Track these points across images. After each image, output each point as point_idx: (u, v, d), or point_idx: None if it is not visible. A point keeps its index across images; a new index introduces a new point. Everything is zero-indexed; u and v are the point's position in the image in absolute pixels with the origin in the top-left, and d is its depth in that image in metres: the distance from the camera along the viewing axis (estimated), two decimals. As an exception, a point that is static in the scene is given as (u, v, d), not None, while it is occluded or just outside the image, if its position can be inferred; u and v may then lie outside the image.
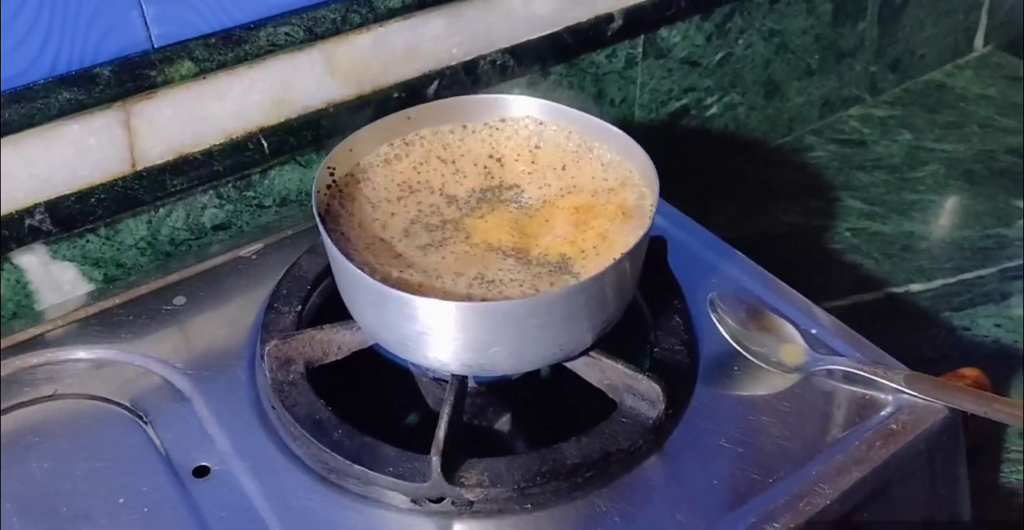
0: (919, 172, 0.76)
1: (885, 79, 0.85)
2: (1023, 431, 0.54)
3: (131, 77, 0.44)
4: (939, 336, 0.61)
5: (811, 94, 0.79)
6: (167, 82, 0.46)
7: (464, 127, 0.44)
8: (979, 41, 0.91)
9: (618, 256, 0.37)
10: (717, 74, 0.70)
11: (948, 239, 0.70)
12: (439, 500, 0.38)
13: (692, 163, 0.73)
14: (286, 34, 0.48)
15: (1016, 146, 0.79)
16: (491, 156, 0.43)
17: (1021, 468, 0.53)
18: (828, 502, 0.38)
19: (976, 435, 0.53)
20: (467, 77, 0.55)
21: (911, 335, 0.62)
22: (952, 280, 0.66)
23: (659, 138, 0.70)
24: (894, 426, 0.41)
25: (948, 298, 0.64)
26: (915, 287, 0.65)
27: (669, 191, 0.53)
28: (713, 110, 0.73)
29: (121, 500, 0.38)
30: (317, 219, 0.39)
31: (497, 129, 0.44)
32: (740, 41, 0.70)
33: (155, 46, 0.45)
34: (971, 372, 0.48)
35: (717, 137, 0.74)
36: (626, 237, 0.39)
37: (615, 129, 0.43)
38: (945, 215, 0.72)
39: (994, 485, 0.52)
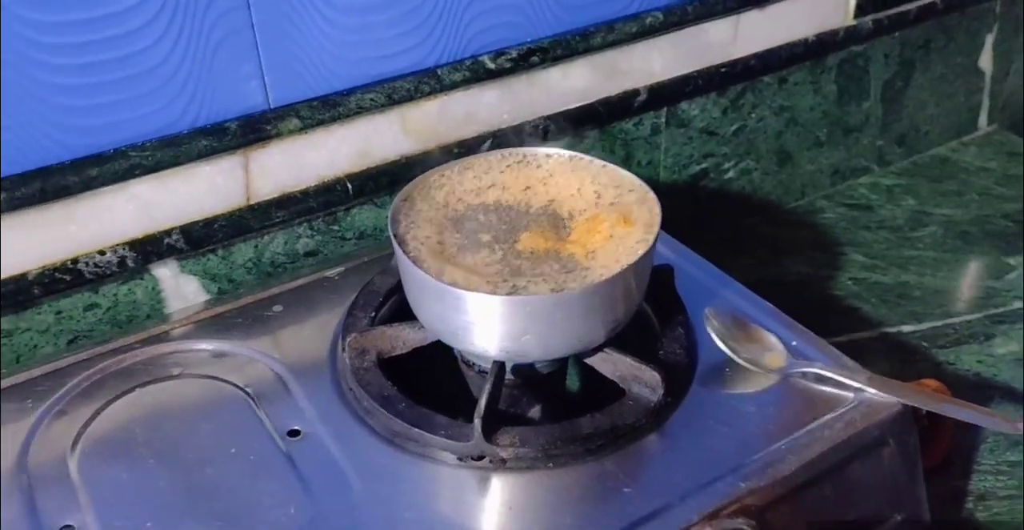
0: (919, 232, 0.86)
1: (892, 152, 0.95)
2: (991, 446, 0.62)
3: (252, 130, 0.57)
4: (925, 369, 0.70)
5: (821, 163, 0.90)
6: (278, 135, 0.58)
7: (510, 166, 0.55)
8: (983, 120, 1.01)
9: (625, 266, 0.47)
10: (733, 143, 0.81)
11: (941, 289, 0.78)
12: (480, 458, 0.48)
13: (711, 220, 0.83)
14: (371, 99, 0.60)
15: (1011, 212, 0.88)
16: (531, 185, 0.55)
17: (991, 478, 0.61)
18: (793, 469, 0.47)
19: (949, 447, 0.61)
20: (515, 138, 0.67)
21: (900, 367, 0.70)
22: (940, 323, 0.74)
23: (681, 196, 0.81)
24: (853, 415, 0.50)
25: (936, 338, 0.73)
26: (906, 328, 0.74)
27: (690, 242, 0.63)
28: (730, 174, 0.83)
29: (233, 450, 0.49)
30: (392, 236, 0.50)
31: (538, 167, 0.55)
32: (753, 115, 0.81)
33: (271, 106, 0.58)
34: (932, 382, 0.57)
35: (734, 198, 0.85)
36: (635, 252, 0.49)
37: (627, 172, 0.54)
38: (940, 269, 0.81)
39: (963, 492, 0.60)
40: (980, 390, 0.68)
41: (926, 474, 0.56)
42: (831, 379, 0.52)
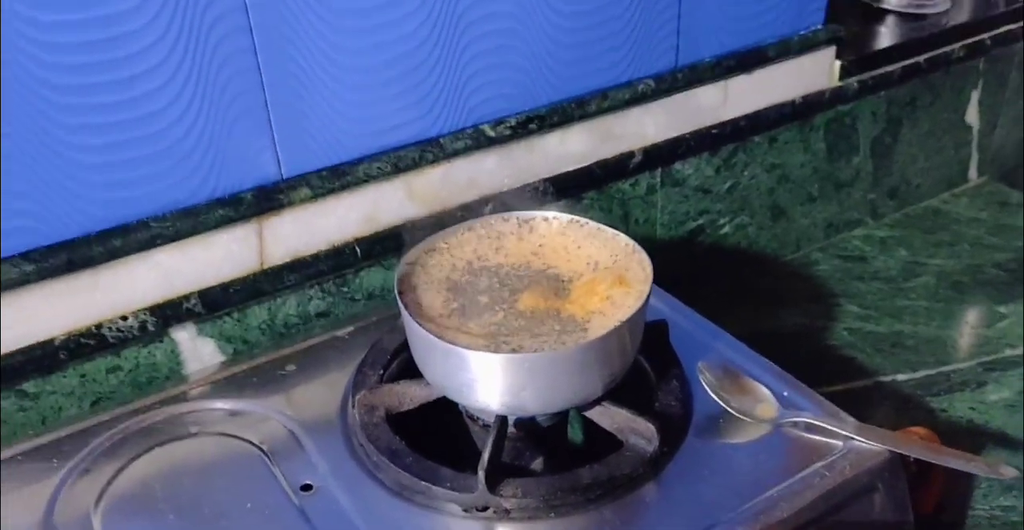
0: (912, 282, 0.88)
1: (885, 205, 0.98)
2: (985, 491, 0.64)
3: (265, 199, 0.61)
4: (919, 416, 0.72)
5: (815, 217, 0.93)
6: (290, 203, 0.62)
7: (511, 229, 0.58)
8: (973, 172, 1.04)
9: (619, 323, 0.50)
10: (727, 200, 0.85)
11: (934, 338, 0.80)
12: (484, 508, 0.50)
13: (708, 274, 0.86)
14: (377, 168, 0.64)
15: (1002, 261, 0.90)
16: (530, 249, 0.58)
17: (984, 523, 0.62)
18: (785, 516, 0.49)
19: (942, 494, 0.63)
20: (515, 201, 0.70)
21: (895, 415, 0.72)
22: (934, 371, 0.76)
23: (679, 252, 0.84)
24: (843, 463, 0.52)
25: (930, 386, 0.75)
26: (901, 376, 0.76)
27: (688, 296, 0.66)
28: (726, 229, 0.86)
29: (248, 505, 0.51)
30: (398, 298, 0.53)
31: (537, 230, 0.58)
32: (745, 173, 0.84)
33: (284, 177, 0.61)
34: (920, 430, 0.59)
35: (730, 252, 0.88)
36: (628, 309, 0.52)
37: (621, 234, 0.57)
38: (933, 318, 0.83)
39: (959, 536, 0.61)
40: (973, 437, 0.69)
41: (920, 521, 0.58)
42: (821, 428, 0.54)
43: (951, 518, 0.62)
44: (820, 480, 0.51)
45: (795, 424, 0.55)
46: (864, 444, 0.53)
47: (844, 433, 0.53)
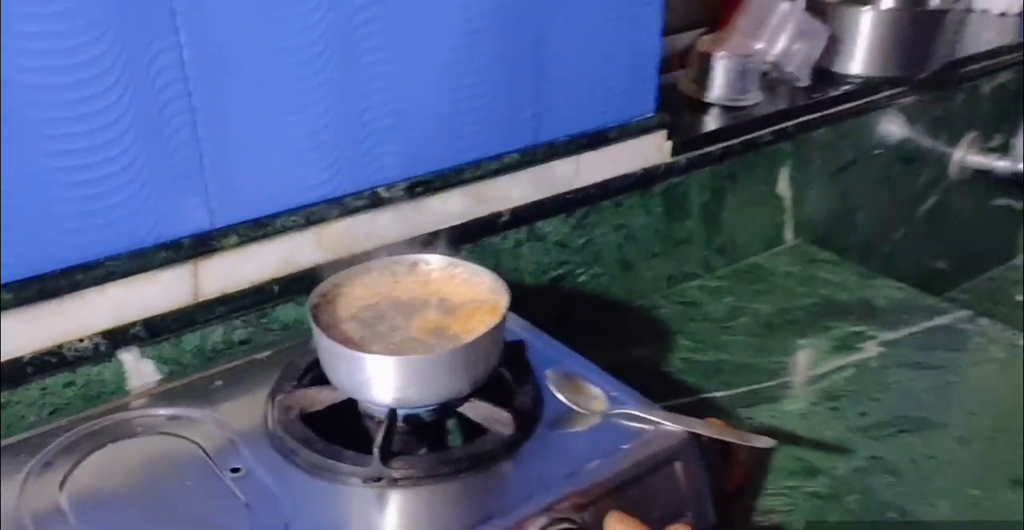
0: (734, 323, 1.07)
1: (716, 260, 1.18)
2: (770, 469, 0.81)
3: (201, 245, 0.75)
4: (730, 422, 0.89)
5: (657, 270, 1.11)
6: (221, 248, 0.76)
7: (403, 269, 0.74)
8: (789, 235, 1.26)
9: (480, 335, 0.66)
10: (582, 253, 1.03)
11: (747, 364, 0.99)
12: (378, 479, 0.64)
13: (569, 315, 1.03)
14: (293, 221, 0.79)
15: (806, 305, 1.11)
16: (420, 285, 0.73)
17: (772, 498, 0.80)
18: (605, 479, 0.65)
19: (743, 476, 0.80)
20: (406, 250, 0.86)
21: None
22: (745, 389, 0.95)
23: (543, 297, 1.01)
24: (652, 440, 0.68)
25: (741, 400, 0.93)
26: (719, 394, 0.94)
27: (551, 333, 0.82)
28: (582, 278, 1.04)
29: (188, 484, 0.64)
30: (310, 319, 0.68)
31: (424, 269, 0.74)
32: (597, 231, 1.02)
33: (216, 227, 0.76)
34: (715, 420, 0.76)
35: (587, 298, 1.05)
36: (488, 326, 0.68)
37: (491, 273, 0.74)
38: (748, 349, 1.02)
39: (752, 508, 0.78)
40: (772, 436, 0.87)
41: (726, 498, 0.75)
42: (639, 417, 0.71)
43: (751, 496, 0.79)
44: (634, 453, 0.67)
45: (620, 415, 0.71)
46: (669, 427, 0.70)
47: (655, 419, 0.70)
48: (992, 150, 1.44)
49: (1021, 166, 1.40)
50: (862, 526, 0.77)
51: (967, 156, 1.41)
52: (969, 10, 1.61)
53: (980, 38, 1.47)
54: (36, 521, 0.61)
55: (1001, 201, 1.58)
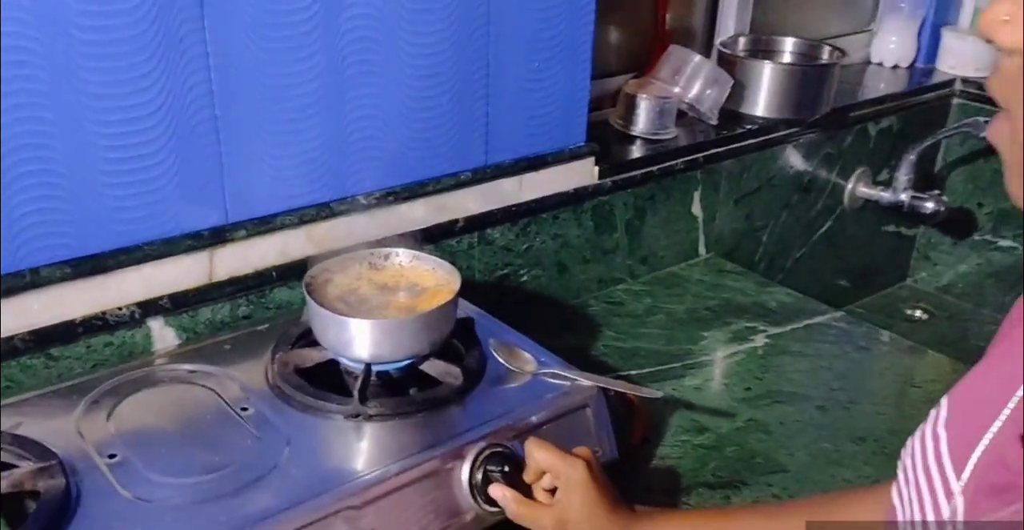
0: (651, 319, 1.28)
1: (639, 269, 1.39)
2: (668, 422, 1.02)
3: (216, 236, 0.94)
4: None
5: (590, 274, 1.32)
6: (232, 239, 0.95)
7: (379, 259, 0.94)
8: (702, 249, 1.48)
9: (437, 307, 0.86)
10: (525, 257, 1.23)
11: (659, 351, 1.20)
12: (357, 416, 0.83)
13: (514, 308, 1.23)
14: (288, 220, 0.98)
15: (711, 306, 1.32)
16: (393, 272, 0.93)
17: (668, 448, 1.00)
18: (528, 419, 0.85)
19: (645, 431, 1.00)
20: (381, 246, 1.06)
21: (625, 393, 1.10)
22: (654, 369, 1.15)
23: (492, 292, 1.21)
24: (569, 391, 0.89)
25: (651, 377, 1.13)
26: (634, 372, 1.15)
27: (496, 317, 1.02)
28: (525, 278, 1.25)
29: (208, 417, 0.83)
30: (305, 292, 0.87)
31: (396, 260, 0.94)
32: (537, 239, 1.23)
33: (229, 222, 0.95)
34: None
35: (529, 294, 1.26)
36: (444, 301, 0.88)
37: (449, 264, 0.94)
38: (660, 339, 1.23)
39: (653, 455, 0.99)
40: (671, 404, 1.08)
41: (635, 447, 0.96)
42: (560, 375, 0.91)
43: (652, 446, 1.00)
44: (554, 401, 0.87)
45: (545, 374, 0.91)
46: (583, 382, 0.90)
47: (572, 377, 0.90)
48: (879, 183, 1.68)
49: (902, 197, 1.64)
50: (738, 465, 0.97)
51: (857, 188, 1.65)
52: (868, 62, 1.87)
53: (873, 87, 1.73)
54: (92, 440, 0.79)
55: (891, 228, 1.82)
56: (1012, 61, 0.39)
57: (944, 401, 0.52)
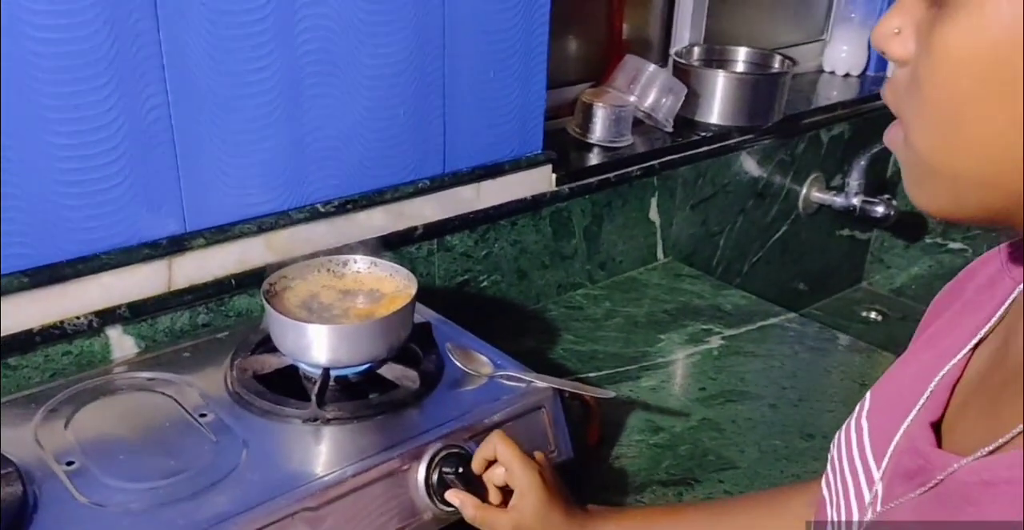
0: (609, 323, 1.31)
1: (598, 274, 1.41)
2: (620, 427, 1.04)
3: (174, 245, 0.95)
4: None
5: (549, 279, 1.35)
6: (190, 248, 0.96)
7: (337, 266, 0.96)
8: (660, 254, 1.50)
9: (394, 312, 0.88)
10: (484, 263, 1.25)
11: (616, 353, 1.22)
12: (315, 420, 0.85)
13: (475, 314, 1.25)
14: (248, 228, 0.99)
15: (668, 309, 1.35)
16: (351, 278, 0.95)
17: (624, 448, 1.02)
18: (485, 420, 0.86)
19: (601, 432, 1.02)
20: (339, 254, 1.07)
21: (583, 395, 1.12)
22: (612, 371, 1.18)
23: (452, 298, 1.23)
24: (525, 393, 0.91)
25: (608, 379, 1.16)
26: (592, 374, 1.17)
27: (456, 322, 1.04)
28: (484, 284, 1.26)
29: (167, 424, 0.84)
30: (264, 300, 0.88)
31: (353, 266, 0.96)
32: (496, 245, 1.25)
33: (187, 230, 0.96)
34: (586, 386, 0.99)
35: (489, 300, 1.28)
36: (400, 307, 0.89)
37: (406, 270, 0.95)
38: (618, 342, 1.25)
39: (609, 455, 1.01)
40: (628, 405, 1.10)
41: (591, 447, 0.97)
42: (516, 378, 0.93)
43: (607, 447, 1.02)
44: (510, 402, 0.89)
45: (501, 376, 0.93)
46: (538, 384, 0.92)
47: (528, 379, 0.92)
48: (832, 188, 1.73)
49: (854, 201, 1.68)
50: (691, 463, 1.00)
51: (811, 193, 1.69)
52: (820, 71, 1.91)
53: (825, 95, 1.77)
54: (50, 448, 0.80)
55: (845, 232, 1.87)
56: (903, 72, 0.42)
57: (868, 394, 0.55)
